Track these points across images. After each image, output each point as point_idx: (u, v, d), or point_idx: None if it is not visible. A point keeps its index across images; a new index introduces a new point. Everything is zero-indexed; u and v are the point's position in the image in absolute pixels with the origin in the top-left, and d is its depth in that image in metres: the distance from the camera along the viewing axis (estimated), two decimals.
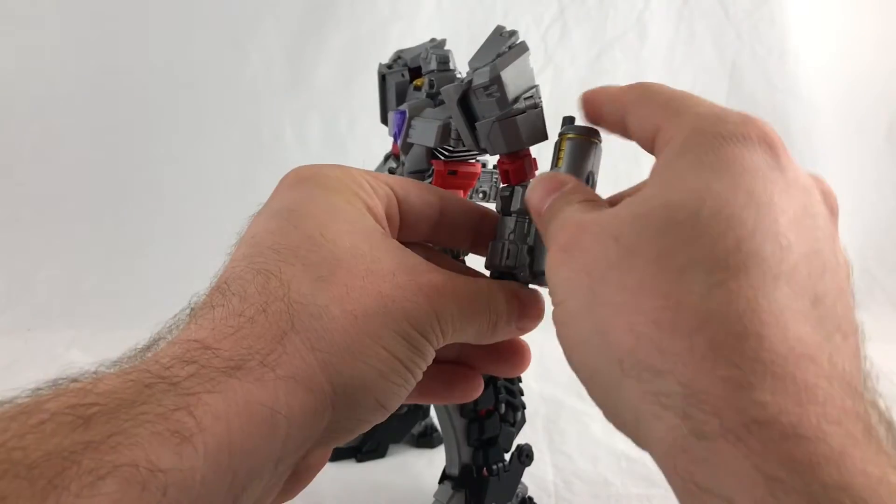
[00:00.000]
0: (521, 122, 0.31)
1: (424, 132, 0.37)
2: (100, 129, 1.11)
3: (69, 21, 1.11)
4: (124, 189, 1.09)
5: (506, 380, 0.43)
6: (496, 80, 0.30)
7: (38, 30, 1.10)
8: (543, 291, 0.30)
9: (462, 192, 0.39)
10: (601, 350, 0.21)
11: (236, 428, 0.20)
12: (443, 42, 0.43)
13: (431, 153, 0.38)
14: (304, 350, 0.23)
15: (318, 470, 0.27)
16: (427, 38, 0.44)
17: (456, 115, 0.33)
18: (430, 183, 0.38)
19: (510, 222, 0.32)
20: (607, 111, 0.28)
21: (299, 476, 0.25)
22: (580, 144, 0.29)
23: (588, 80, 1.06)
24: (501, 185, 0.33)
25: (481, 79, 0.31)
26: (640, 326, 0.19)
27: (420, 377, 0.27)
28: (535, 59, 1.31)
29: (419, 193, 0.31)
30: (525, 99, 0.31)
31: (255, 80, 1.13)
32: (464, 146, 0.35)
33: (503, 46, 0.31)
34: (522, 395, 0.44)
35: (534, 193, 0.28)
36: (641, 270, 0.20)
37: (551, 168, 0.30)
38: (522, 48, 0.31)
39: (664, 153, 0.23)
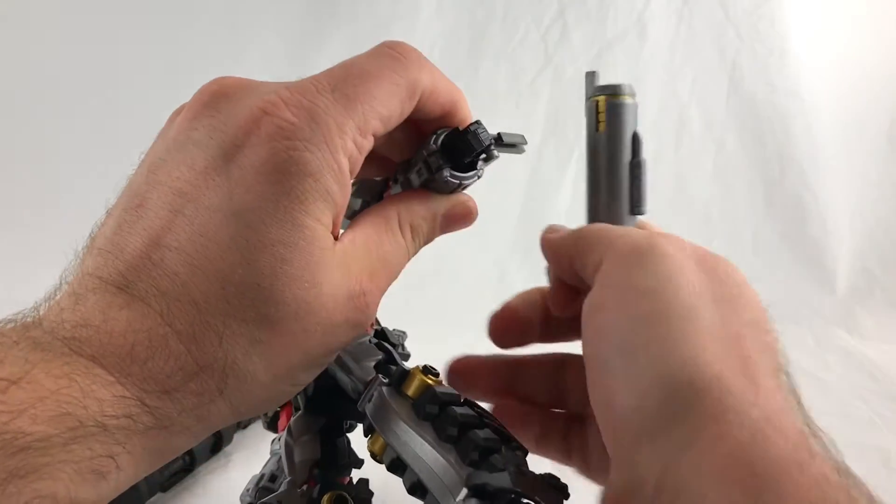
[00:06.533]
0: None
1: None
2: (101, 129, 1.11)
3: (69, 21, 1.10)
4: None
5: None
6: None
7: (39, 30, 1.10)
8: None
9: None
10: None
11: (144, 465, 0.23)
12: None
13: None
14: (224, 409, 0.24)
15: None
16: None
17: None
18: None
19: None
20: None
21: None
22: (617, 106, 0.31)
23: None
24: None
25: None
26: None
27: None
28: (535, 59, 1.29)
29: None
30: None
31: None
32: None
33: None
34: None
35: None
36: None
37: (592, 132, 0.31)
38: None
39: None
